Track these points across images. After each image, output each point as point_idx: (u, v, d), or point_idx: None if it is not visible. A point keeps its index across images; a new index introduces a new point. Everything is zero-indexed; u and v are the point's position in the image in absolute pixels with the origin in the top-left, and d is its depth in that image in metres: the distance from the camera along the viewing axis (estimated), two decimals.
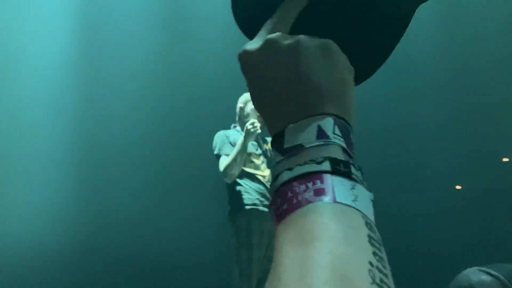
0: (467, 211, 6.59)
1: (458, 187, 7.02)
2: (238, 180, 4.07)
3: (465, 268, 1.51)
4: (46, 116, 5.81)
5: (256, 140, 4.22)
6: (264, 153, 4.21)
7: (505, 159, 7.17)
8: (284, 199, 0.50)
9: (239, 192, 4.05)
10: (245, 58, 0.60)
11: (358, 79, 0.66)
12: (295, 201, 0.50)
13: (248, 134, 4.01)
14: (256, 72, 0.59)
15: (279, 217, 0.50)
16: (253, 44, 0.61)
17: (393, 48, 0.69)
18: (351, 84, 0.59)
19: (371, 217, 0.51)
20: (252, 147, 4.17)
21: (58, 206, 5.59)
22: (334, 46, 0.60)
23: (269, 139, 4.26)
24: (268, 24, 0.63)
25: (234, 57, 0.59)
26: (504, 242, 6.33)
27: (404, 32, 0.68)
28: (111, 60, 6.02)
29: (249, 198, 4.03)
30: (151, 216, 5.63)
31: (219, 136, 4.23)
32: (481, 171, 6.73)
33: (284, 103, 0.57)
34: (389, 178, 6.51)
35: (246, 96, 4.29)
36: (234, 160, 4.04)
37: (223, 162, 4.10)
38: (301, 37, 0.59)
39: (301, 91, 0.57)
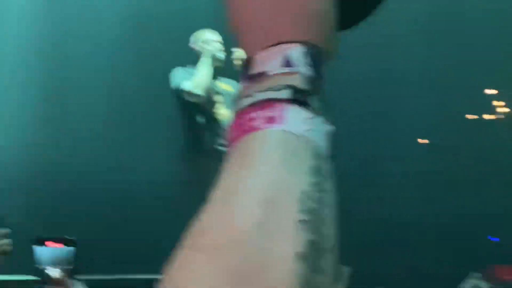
0: (429, 166, 6.67)
1: (421, 141, 7.10)
2: (197, 120, 4.11)
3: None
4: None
5: (214, 79, 4.27)
6: (221, 92, 4.27)
7: (469, 116, 7.28)
8: (237, 126, 0.50)
9: (198, 131, 4.11)
10: None
11: (350, 21, 0.65)
12: (246, 127, 0.49)
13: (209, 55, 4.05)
14: None
15: (230, 143, 0.49)
16: None
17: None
18: (331, 15, 0.56)
19: (326, 149, 0.50)
20: (211, 86, 4.21)
21: (18, 134, 5.62)
22: None
23: (226, 79, 4.32)
24: None
25: None
26: (463, 197, 6.44)
27: None
28: None
29: (208, 139, 4.09)
30: (111, 145, 5.67)
31: (178, 70, 4.24)
32: (443, 127, 6.79)
33: (260, 27, 0.54)
34: (351, 131, 6.57)
35: (197, 35, 4.37)
36: (202, 75, 4.09)
37: (189, 82, 4.12)
38: None
39: (277, 16, 0.53)
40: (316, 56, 0.53)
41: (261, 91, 0.50)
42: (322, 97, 0.52)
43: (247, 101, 0.50)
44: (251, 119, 0.49)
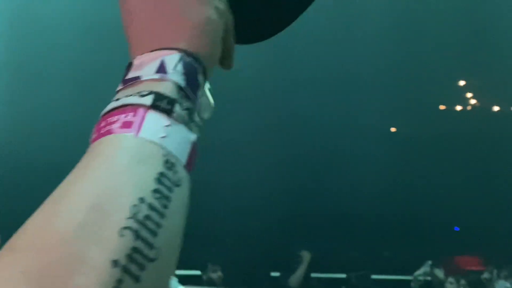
0: (402, 154, 6.76)
1: (393, 129, 7.18)
2: None
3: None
4: None
5: None
6: None
7: (442, 107, 7.37)
8: (98, 128, 0.49)
9: None
10: None
11: (248, 37, 0.65)
12: (103, 130, 0.48)
13: None
14: (130, 1, 0.57)
15: (90, 144, 0.49)
16: None
17: (293, 18, 0.67)
18: (217, 25, 0.56)
19: (182, 157, 0.49)
20: None
21: None
22: None
23: None
24: None
25: None
26: (437, 183, 6.53)
27: (306, 7, 0.67)
28: None
29: None
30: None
31: None
32: (418, 117, 6.88)
33: (144, 33, 0.56)
34: (327, 121, 6.63)
35: None
36: None
37: None
38: None
39: (160, 23, 0.55)
40: (192, 65, 0.54)
41: (127, 96, 0.50)
42: (192, 106, 0.52)
43: (112, 104, 0.50)
44: (110, 123, 0.48)
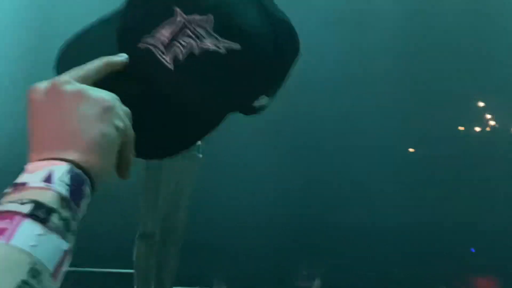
0: (421, 175, 6.70)
1: (411, 150, 7.13)
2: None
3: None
4: None
5: None
6: None
7: (460, 128, 7.30)
8: None
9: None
10: (31, 95, 0.62)
11: (148, 154, 0.72)
12: None
13: None
14: (37, 109, 0.61)
15: None
16: (43, 83, 0.63)
17: (193, 142, 0.73)
18: (112, 141, 0.61)
19: (50, 266, 0.51)
20: None
21: None
22: (117, 104, 0.63)
23: None
24: (73, 69, 0.65)
25: None
26: (455, 205, 6.45)
27: (208, 132, 0.73)
28: None
29: None
30: None
31: None
32: (436, 137, 6.83)
33: (43, 142, 0.59)
34: (343, 143, 6.62)
35: None
36: None
37: None
38: (85, 87, 0.62)
39: (58, 134, 0.59)
40: (79, 177, 0.57)
41: (10, 201, 0.53)
42: (76, 215, 0.56)
43: None
44: None
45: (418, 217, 6.43)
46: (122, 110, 0.63)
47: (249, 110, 0.76)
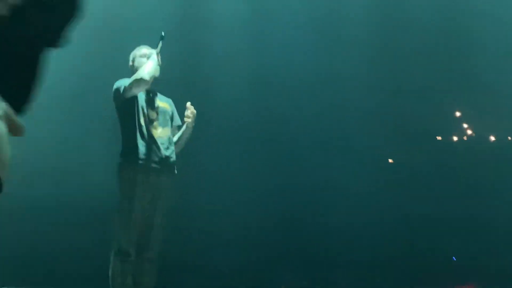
0: (399, 184, 6.69)
1: (390, 160, 7.13)
2: (131, 132, 4.10)
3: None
4: None
5: (150, 93, 4.28)
6: (157, 109, 4.25)
7: (438, 137, 7.32)
8: None
9: (130, 145, 4.08)
10: None
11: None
12: None
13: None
14: None
15: None
16: None
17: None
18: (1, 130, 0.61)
19: None
20: (146, 100, 4.22)
21: None
22: None
23: (162, 97, 4.38)
24: None
25: None
26: (432, 215, 6.44)
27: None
28: None
29: (137, 152, 4.05)
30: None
31: (123, 79, 4.23)
32: (415, 148, 6.83)
33: None
34: (325, 151, 6.59)
35: (134, 52, 4.38)
36: (151, 74, 4.10)
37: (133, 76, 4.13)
38: None
39: None
40: None
41: None
42: None
43: None
44: None
45: (400, 229, 6.41)
46: None
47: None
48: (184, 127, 4.37)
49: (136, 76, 4.05)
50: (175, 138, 4.35)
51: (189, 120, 4.32)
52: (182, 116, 4.40)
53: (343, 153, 6.63)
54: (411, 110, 6.88)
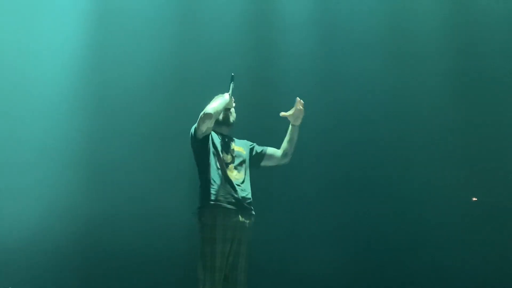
0: (483, 223, 6.37)
1: (474, 199, 6.83)
2: (208, 176, 4.17)
3: None
4: (54, 115, 5.97)
5: (225, 138, 4.40)
6: (232, 153, 4.34)
7: None
8: None
9: (208, 188, 4.15)
10: None
11: None
12: None
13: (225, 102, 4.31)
14: None
15: None
16: None
17: None
18: None
19: None
20: (221, 144, 4.33)
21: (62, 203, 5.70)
22: None
23: (239, 141, 4.48)
24: None
25: None
26: None
27: None
28: (120, 58, 6.21)
29: (215, 195, 4.12)
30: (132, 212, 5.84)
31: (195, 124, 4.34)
32: (499, 186, 6.48)
33: None
34: (407, 191, 6.38)
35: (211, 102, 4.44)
36: (216, 109, 4.21)
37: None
38: None
39: None
40: None
41: None
42: None
43: None
44: None
45: (484, 267, 6.11)
46: None
47: None
48: (290, 127, 4.58)
49: (202, 112, 4.15)
50: (284, 140, 4.58)
51: (298, 120, 4.53)
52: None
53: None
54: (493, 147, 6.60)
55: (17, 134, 5.90)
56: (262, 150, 4.54)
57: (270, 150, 4.58)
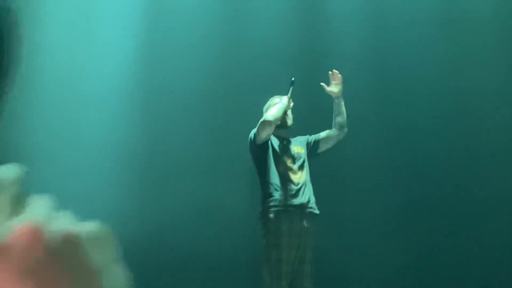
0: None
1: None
2: (270, 180, 4.19)
3: None
4: (109, 118, 5.97)
5: (284, 141, 4.40)
6: (292, 156, 4.34)
7: None
8: None
9: (270, 192, 4.17)
10: None
11: None
12: None
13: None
14: None
15: None
16: None
17: None
18: None
19: None
20: (280, 147, 4.34)
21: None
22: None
23: (294, 139, 4.49)
24: None
25: None
26: None
27: None
28: (173, 61, 6.17)
29: (278, 200, 4.13)
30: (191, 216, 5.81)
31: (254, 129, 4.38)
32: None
33: None
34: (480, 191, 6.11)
35: (268, 103, 4.55)
36: (276, 116, 4.22)
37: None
38: None
39: None
40: None
41: None
42: None
43: None
44: None
45: None
46: None
47: None
48: (334, 103, 4.57)
49: (261, 119, 4.18)
50: (333, 116, 4.58)
51: (337, 89, 4.52)
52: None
53: None
54: None
55: (76, 135, 5.91)
56: (315, 138, 4.53)
57: (323, 134, 4.57)
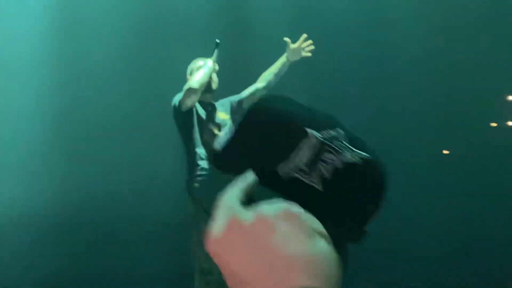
0: (454, 176, 6.28)
1: (445, 151, 6.81)
2: (195, 149, 4.06)
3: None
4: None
5: (209, 106, 4.21)
6: (217, 123, 4.19)
7: (492, 124, 6.91)
8: None
9: (195, 161, 4.05)
10: (214, 247, 0.61)
11: (349, 237, 0.70)
12: None
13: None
14: (227, 256, 0.59)
15: None
16: (217, 229, 0.62)
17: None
18: (323, 248, 0.58)
19: None
20: (206, 114, 4.17)
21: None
22: (295, 209, 0.60)
23: (219, 105, 4.25)
24: (230, 191, 0.65)
25: None
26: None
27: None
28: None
29: (203, 168, 4.02)
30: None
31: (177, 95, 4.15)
32: (468, 136, 6.32)
33: (261, 279, 0.56)
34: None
35: (190, 66, 4.34)
36: (201, 82, 4.00)
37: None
38: (259, 209, 0.60)
39: (273, 266, 0.56)
40: None
41: None
42: None
43: None
44: None
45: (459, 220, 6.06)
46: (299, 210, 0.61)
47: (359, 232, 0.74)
48: (284, 59, 4.34)
49: (186, 86, 3.97)
50: (271, 71, 4.35)
51: (296, 57, 4.31)
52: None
53: None
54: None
55: None
56: (239, 99, 4.30)
57: (247, 92, 4.33)
